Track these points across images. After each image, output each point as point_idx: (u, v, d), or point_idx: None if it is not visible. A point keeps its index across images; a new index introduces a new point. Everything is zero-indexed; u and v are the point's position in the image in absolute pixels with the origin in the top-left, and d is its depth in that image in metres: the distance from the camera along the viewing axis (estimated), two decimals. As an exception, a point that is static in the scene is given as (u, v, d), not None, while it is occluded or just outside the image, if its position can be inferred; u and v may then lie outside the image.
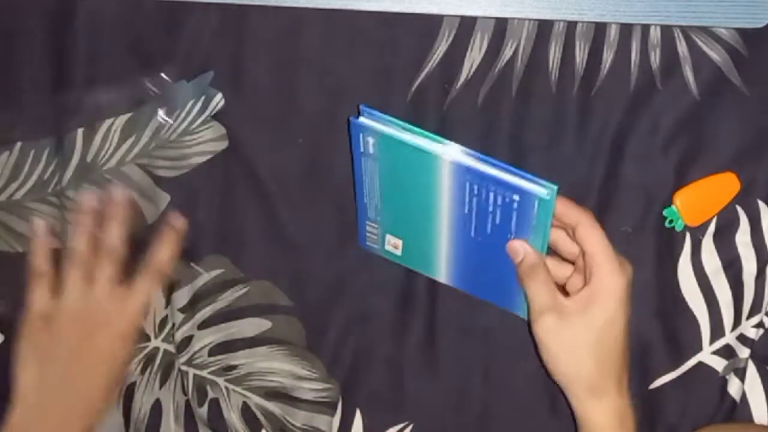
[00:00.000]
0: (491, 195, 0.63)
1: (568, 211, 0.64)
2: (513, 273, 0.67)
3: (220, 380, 0.77)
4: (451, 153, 0.63)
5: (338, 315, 0.77)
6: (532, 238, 0.65)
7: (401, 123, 0.64)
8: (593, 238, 0.63)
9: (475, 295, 0.74)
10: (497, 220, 0.65)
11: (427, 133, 0.64)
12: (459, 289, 0.74)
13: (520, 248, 0.65)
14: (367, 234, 0.73)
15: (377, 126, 0.64)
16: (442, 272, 0.73)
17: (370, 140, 0.65)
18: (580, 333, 0.63)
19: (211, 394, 0.77)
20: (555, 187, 0.61)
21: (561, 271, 0.67)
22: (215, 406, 0.77)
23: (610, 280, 0.62)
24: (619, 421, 0.63)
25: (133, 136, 0.77)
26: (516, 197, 0.62)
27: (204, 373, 0.77)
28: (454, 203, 0.66)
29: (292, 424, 0.77)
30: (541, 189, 0.61)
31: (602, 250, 0.63)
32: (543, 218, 0.63)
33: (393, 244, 0.73)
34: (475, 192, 0.64)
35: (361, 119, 0.65)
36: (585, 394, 0.64)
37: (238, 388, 0.77)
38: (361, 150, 0.67)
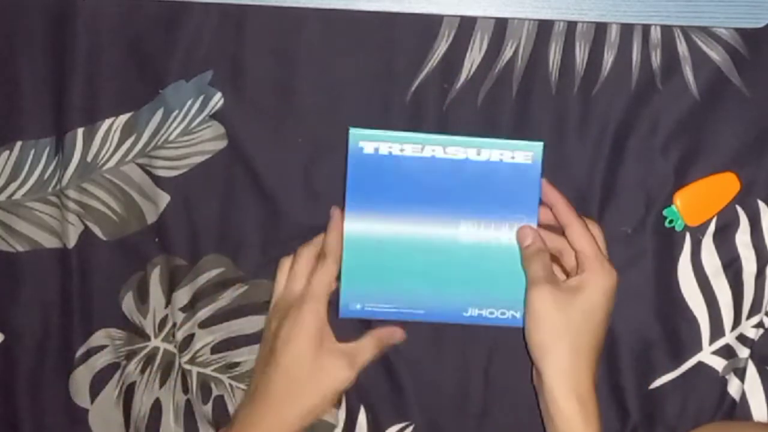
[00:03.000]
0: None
1: (561, 210, 0.70)
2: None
3: (224, 377, 0.78)
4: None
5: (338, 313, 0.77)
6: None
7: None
8: (583, 239, 0.69)
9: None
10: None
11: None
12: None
13: (529, 233, 0.70)
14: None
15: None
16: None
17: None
18: (568, 311, 0.66)
19: (215, 392, 0.78)
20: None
21: (555, 243, 0.71)
22: (220, 402, 0.77)
23: (600, 274, 0.68)
24: (581, 406, 0.65)
25: (133, 136, 0.77)
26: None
27: (208, 371, 0.78)
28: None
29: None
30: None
31: (592, 251, 0.68)
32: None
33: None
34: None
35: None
36: (552, 369, 0.66)
37: (242, 385, 0.77)
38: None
